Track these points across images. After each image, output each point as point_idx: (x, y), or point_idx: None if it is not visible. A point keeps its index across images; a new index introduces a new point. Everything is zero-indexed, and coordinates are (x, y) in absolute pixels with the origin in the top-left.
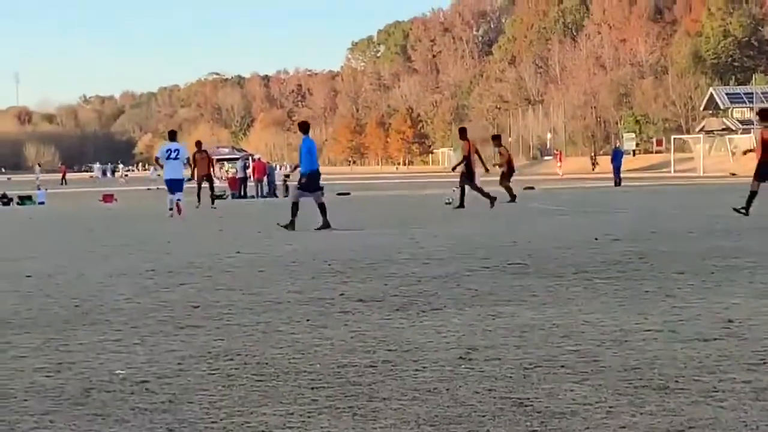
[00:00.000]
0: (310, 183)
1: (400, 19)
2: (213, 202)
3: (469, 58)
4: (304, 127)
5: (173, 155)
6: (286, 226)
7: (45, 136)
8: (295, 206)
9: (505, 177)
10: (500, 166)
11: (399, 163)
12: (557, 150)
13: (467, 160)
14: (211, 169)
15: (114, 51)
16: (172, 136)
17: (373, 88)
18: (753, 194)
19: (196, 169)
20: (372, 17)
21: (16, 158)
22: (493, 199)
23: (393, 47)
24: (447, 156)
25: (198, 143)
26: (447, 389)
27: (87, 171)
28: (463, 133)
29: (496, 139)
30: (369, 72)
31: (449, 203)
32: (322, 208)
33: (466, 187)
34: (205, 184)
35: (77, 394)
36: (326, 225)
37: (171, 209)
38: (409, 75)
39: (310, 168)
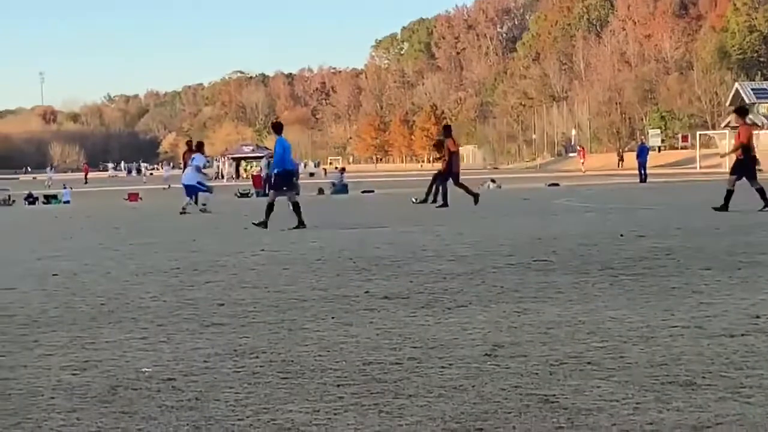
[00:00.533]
0: (287, 182)
1: (424, 16)
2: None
3: (493, 55)
4: (278, 127)
5: (191, 162)
6: (259, 224)
7: (70, 136)
8: (270, 207)
9: (442, 176)
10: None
11: (423, 161)
12: (580, 146)
13: (450, 158)
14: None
15: (138, 50)
16: (198, 147)
17: (397, 86)
18: (729, 193)
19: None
20: (396, 15)
21: (41, 157)
22: (434, 201)
23: (417, 45)
24: (472, 153)
25: (188, 143)
26: (473, 386)
27: (104, 170)
28: (447, 130)
29: (446, 130)
30: (393, 69)
31: (415, 202)
32: (269, 208)
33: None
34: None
35: (104, 392)
36: (301, 223)
37: (204, 205)
38: (433, 72)
39: (290, 167)
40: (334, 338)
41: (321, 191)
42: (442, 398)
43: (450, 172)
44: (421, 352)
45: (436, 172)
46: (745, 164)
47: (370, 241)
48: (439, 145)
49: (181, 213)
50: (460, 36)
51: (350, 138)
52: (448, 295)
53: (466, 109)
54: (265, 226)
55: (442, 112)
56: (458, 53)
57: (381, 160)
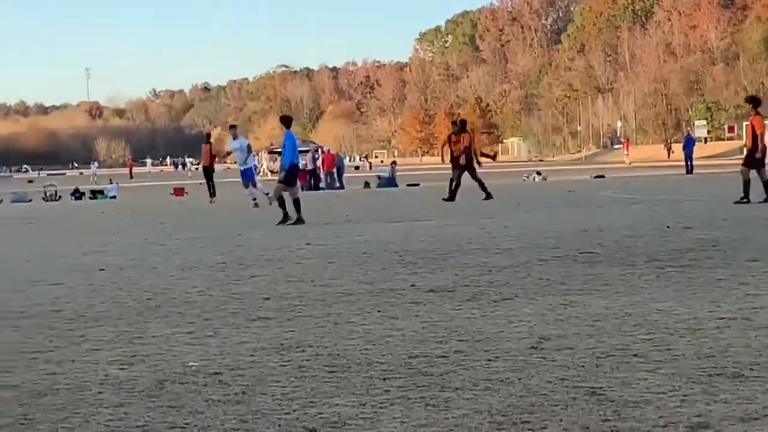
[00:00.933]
0: (292, 177)
1: (468, 8)
2: (212, 196)
3: (537, 47)
4: (287, 121)
5: (235, 148)
6: (282, 222)
7: (115, 131)
8: (281, 200)
9: (471, 169)
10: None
11: None
12: (625, 138)
13: (468, 152)
14: (213, 161)
15: (183, 45)
16: (230, 128)
17: (442, 79)
18: (747, 183)
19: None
20: (440, 7)
21: (87, 153)
22: (488, 194)
23: (461, 37)
24: (517, 146)
25: (207, 135)
26: (519, 379)
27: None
28: (463, 125)
29: (456, 124)
30: (437, 62)
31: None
32: (297, 203)
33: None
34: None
35: (151, 386)
36: (300, 220)
37: (254, 200)
38: (478, 65)
39: (293, 161)
40: (380, 332)
41: (367, 185)
42: (489, 391)
43: (468, 164)
44: (467, 345)
45: (472, 169)
46: (750, 153)
47: (415, 235)
48: (460, 125)
49: (254, 206)
50: (505, 28)
51: (395, 131)
52: (494, 288)
53: (510, 102)
54: (302, 222)
55: (487, 105)
56: (503, 45)
57: (426, 153)
